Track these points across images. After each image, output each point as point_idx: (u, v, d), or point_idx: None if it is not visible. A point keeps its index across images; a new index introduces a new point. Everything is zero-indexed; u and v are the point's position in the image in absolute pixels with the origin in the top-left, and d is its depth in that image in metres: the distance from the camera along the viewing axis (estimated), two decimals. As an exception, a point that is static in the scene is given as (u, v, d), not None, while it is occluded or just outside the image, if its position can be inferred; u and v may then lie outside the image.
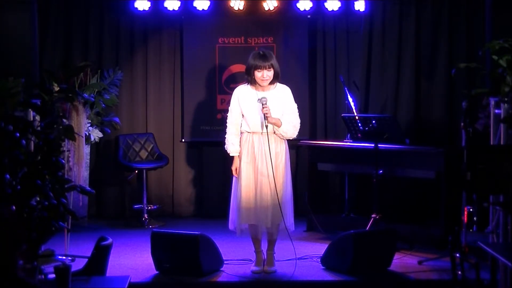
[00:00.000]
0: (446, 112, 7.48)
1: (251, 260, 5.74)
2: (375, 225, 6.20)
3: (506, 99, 4.83)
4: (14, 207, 3.35)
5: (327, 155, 7.06)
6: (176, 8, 7.64)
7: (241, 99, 5.55)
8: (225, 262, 5.67)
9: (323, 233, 6.80)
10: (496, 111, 5.13)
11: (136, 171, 7.63)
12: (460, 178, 4.45)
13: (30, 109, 4.47)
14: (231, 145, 5.58)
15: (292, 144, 6.91)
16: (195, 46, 7.83)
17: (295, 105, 5.59)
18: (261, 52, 5.50)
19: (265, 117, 5.37)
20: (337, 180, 7.76)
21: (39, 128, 3.69)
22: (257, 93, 5.51)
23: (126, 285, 3.77)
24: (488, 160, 4.30)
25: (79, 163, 6.72)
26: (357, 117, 6.51)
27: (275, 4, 7.65)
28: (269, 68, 5.45)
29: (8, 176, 3.48)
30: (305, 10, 7.64)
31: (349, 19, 7.72)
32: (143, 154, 7.70)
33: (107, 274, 4.45)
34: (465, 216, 5.48)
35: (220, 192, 7.65)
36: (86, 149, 7.18)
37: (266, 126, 5.39)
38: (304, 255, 5.96)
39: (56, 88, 4.04)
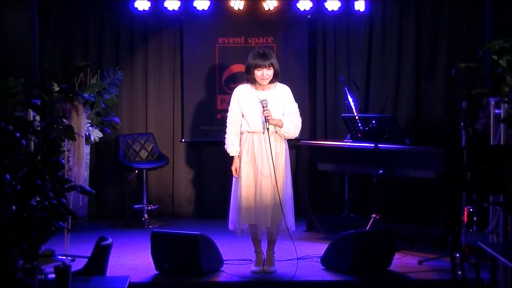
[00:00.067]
0: (446, 112, 7.48)
1: (251, 260, 5.73)
2: (375, 225, 6.20)
3: (506, 99, 4.83)
4: (14, 207, 3.35)
5: (327, 155, 7.06)
6: (176, 8, 7.63)
7: (241, 99, 5.54)
8: (225, 262, 5.67)
9: (323, 233, 6.80)
10: (496, 111, 5.13)
11: (136, 171, 7.63)
12: (460, 178, 4.45)
13: (30, 109, 4.47)
14: (231, 145, 5.58)
15: (292, 144, 6.91)
16: (195, 46, 7.82)
17: (296, 105, 5.58)
18: (261, 51, 5.49)
19: (266, 120, 5.38)
20: (337, 180, 7.76)
21: (39, 128, 3.69)
22: (257, 92, 5.51)
23: (126, 285, 3.77)
24: (488, 160, 4.30)
25: (79, 163, 6.71)
26: (357, 117, 6.50)
27: (275, 4, 7.64)
28: (269, 67, 5.44)
29: (8, 176, 3.48)
30: (305, 10, 7.64)
31: (349, 19, 7.72)
32: (143, 154, 7.70)
33: (107, 274, 4.45)
34: (465, 216, 5.47)
35: (220, 192, 7.65)
36: (86, 149, 7.18)
37: (267, 129, 5.39)
38: (304, 255, 5.95)
39: (56, 88, 4.05)
